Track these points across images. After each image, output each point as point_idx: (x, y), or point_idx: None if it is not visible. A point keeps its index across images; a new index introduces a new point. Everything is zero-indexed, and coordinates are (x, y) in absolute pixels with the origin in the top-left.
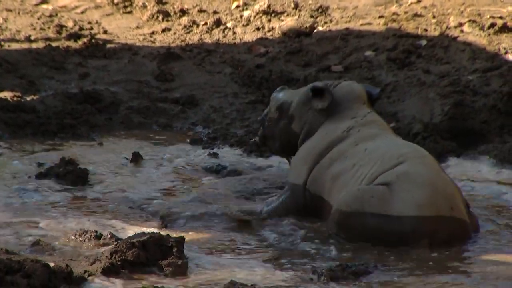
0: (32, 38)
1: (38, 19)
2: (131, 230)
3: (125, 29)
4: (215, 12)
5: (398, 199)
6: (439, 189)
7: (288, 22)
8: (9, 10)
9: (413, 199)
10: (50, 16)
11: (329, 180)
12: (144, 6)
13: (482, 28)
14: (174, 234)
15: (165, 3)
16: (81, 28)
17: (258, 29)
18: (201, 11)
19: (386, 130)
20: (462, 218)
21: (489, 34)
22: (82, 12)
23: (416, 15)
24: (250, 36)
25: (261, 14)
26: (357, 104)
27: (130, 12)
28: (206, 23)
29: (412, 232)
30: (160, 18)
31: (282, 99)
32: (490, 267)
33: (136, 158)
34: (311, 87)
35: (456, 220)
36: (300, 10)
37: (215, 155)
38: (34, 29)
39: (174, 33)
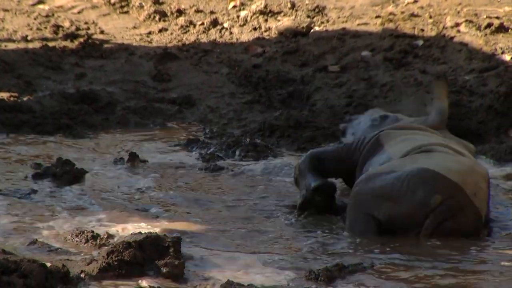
0: (28, 38)
1: (35, 19)
2: (127, 230)
3: (122, 29)
4: (212, 12)
5: (432, 161)
6: (474, 175)
7: (285, 22)
8: (5, 10)
9: (445, 164)
10: (47, 16)
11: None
12: (141, 6)
13: (478, 28)
14: (170, 226)
15: (162, 3)
16: (77, 28)
17: (255, 29)
18: (198, 11)
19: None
20: (479, 209)
21: (486, 34)
22: (79, 12)
23: (412, 15)
24: (247, 36)
25: (258, 14)
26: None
27: (126, 12)
28: (203, 23)
29: (430, 183)
30: (157, 18)
31: None
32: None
33: (133, 158)
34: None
35: (472, 205)
36: (296, 10)
37: (211, 155)
38: (31, 29)
39: (171, 33)
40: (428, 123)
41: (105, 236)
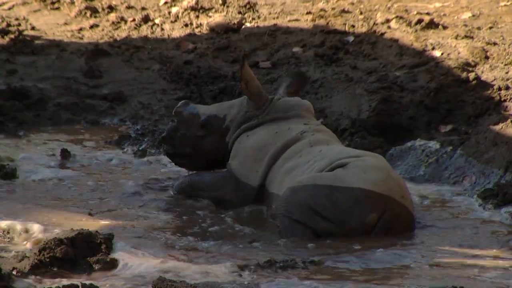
0: None
1: None
2: (60, 226)
3: (53, 25)
4: (143, 9)
5: (352, 175)
6: (394, 177)
7: (216, 18)
8: None
9: (367, 176)
10: None
11: (282, 174)
12: (72, 2)
13: (409, 24)
14: (101, 222)
15: None
16: (8, 25)
17: (186, 25)
18: (129, 7)
19: (337, 140)
20: (410, 209)
21: (416, 30)
22: (10, 9)
23: (343, 11)
24: (178, 32)
25: (189, 11)
26: (309, 115)
27: (57, 9)
28: (134, 20)
29: (362, 203)
30: (88, 14)
31: (205, 114)
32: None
33: (65, 154)
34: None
35: (405, 209)
36: (228, 6)
37: (143, 152)
38: None
39: (102, 30)
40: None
41: (37, 232)
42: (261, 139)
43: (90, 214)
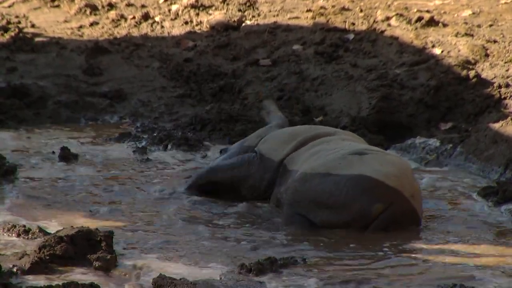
0: None
1: None
2: (60, 224)
3: (53, 23)
4: (143, 6)
5: (367, 165)
6: (409, 176)
7: (216, 16)
8: None
9: (381, 168)
10: None
11: (306, 156)
12: (72, 0)
13: (409, 22)
14: (102, 221)
15: None
16: (8, 22)
17: (186, 23)
18: (129, 5)
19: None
20: (417, 211)
21: (417, 28)
22: (10, 6)
23: (343, 9)
24: (178, 30)
25: (189, 8)
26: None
27: (57, 6)
28: (134, 17)
29: (370, 192)
30: (88, 12)
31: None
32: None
33: (65, 152)
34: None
35: (412, 209)
36: (228, 4)
37: (143, 149)
38: None
39: (102, 27)
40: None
41: (37, 230)
42: (295, 128)
43: (91, 212)
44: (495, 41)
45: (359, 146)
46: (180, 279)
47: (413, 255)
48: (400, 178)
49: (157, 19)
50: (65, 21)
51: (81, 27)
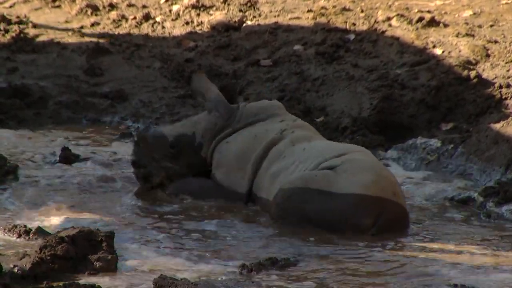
0: None
1: None
2: (61, 224)
3: (54, 23)
4: (144, 7)
5: (343, 179)
6: (383, 175)
7: (217, 16)
8: None
9: (358, 180)
10: None
11: (268, 179)
12: (73, 1)
13: (410, 22)
14: (102, 220)
15: None
16: (9, 23)
17: (187, 23)
18: (130, 5)
19: (318, 134)
20: (403, 205)
21: (417, 28)
22: (11, 7)
23: (344, 9)
24: (179, 30)
25: (190, 8)
26: (282, 111)
27: (58, 7)
28: (135, 17)
29: (356, 210)
30: (89, 12)
31: (172, 135)
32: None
33: (65, 153)
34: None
35: (398, 206)
36: (229, 4)
37: None
38: None
39: (103, 28)
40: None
41: (38, 231)
42: (241, 146)
43: (91, 212)
44: (496, 42)
45: (316, 153)
46: (181, 279)
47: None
48: (379, 182)
49: (158, 19)
50: (66, 22)
51: (82, 27)
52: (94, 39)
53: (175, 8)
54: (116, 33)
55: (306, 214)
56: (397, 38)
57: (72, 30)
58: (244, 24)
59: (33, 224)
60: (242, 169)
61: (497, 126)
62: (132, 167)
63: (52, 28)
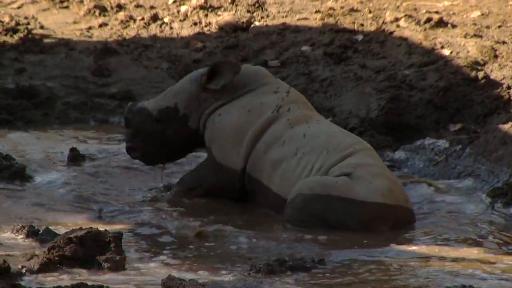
0: None
1: None
2: (69, 225)
3: (62, 24)
4: (152, 7)
5: (362, 187)
6: (394, 181)
7: (225, 17)
8: None
9: (376, 188)
10: None
11: (269, 166)
12: (81, 1)
13: (418, 23)
14: (111, 223)
15: None
16: (17, 23)
17: (195, 24)
18: (138, 6)
19: (313, 109)
20: (410, 206)
21: (425, 29)
22: (19, 7)
23: (352, 10)
24: (187, 31)
25: (198, 9)
26: (272, 79)
27: (66, 7)
28: (143, 18)
29: (377, 218)
30: (97, 13)
31: (156, 108)
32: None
33: (73, 153)
34: (203, 71)
35: (411, 211)
36: (237, 5)
37: None
38: None
39: (111, 28)
40: None
41: (46, 231)
42: (235, 120)
43: (99, 214)
44: (504, 42)
45: (321, 145)
46: (189, 280)
47: (428, 254)
48: (393, 190)
49: (166, 20)
50: (74, 22)
51: (90, 28)
52: (102, 40)
53: (183, 9)
54: (124, 34)
55: (327, 220)
56: (405, 39)
57: (80, 30)
58: (252, 25)
59: (41, 225)
60: (237, 144)
61: (505, 127)
62: (130, 153)
63: (60, 28)
